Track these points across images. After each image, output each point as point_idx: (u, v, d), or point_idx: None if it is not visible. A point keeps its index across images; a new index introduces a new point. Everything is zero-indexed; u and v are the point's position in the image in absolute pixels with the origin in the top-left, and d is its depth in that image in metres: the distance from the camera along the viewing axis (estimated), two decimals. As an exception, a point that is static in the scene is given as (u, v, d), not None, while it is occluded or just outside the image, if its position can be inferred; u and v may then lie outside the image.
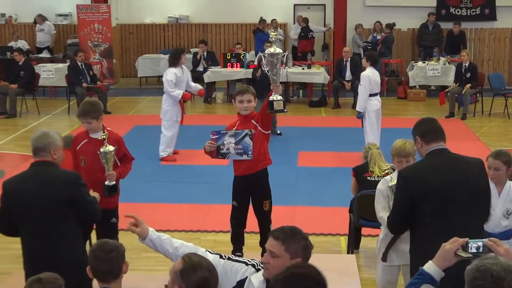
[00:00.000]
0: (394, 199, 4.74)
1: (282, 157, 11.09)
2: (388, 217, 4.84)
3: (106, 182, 6.05)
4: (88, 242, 6.45)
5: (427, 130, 4.68)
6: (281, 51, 5.97)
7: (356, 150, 10.83)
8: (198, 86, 11.56)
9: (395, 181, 5.24)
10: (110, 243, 3.92)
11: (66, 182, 4.85)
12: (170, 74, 10.96)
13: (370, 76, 10.75)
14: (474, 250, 3.13)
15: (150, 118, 14.78)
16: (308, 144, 12.30)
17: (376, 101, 10.94)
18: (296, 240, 3.59)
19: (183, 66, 11.19)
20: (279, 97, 6.06)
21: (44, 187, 4.79)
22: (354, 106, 15.53)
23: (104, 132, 6.02)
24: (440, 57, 17.31)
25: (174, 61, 11.06)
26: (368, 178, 6.96)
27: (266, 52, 5.98)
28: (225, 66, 16.46)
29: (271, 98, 6.07)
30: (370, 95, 10.83)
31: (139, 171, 10.62)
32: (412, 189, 4.48)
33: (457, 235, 3.28)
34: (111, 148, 5.92)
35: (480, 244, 3.15)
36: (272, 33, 6.41)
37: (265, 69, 6.06)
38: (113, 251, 3.83)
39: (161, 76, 19.74)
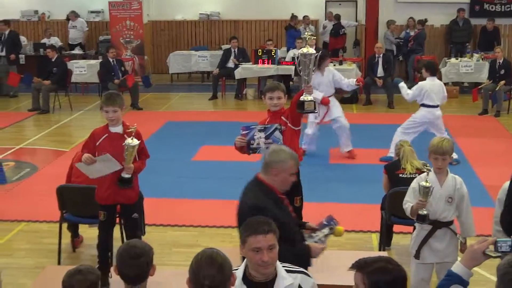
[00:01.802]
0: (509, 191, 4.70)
1: (313, 153, 11.07)
2: (502, 212, 4.79)
3: (123, 174, 6.08)
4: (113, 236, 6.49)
5: None
6: (314, 52, 5.93)
7: (388, 147, 10.76)
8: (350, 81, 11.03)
9: (429, 183, 5.21)
10: (138, 247, 3.73)
11: None
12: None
13: (427, 87, 10.40)
14: (504, 249, 3.11)
15: (182, 114, 14.86)
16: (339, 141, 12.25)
17: (425, 112, 10.53)
18: None
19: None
20: (310, 98, 6.04)
21: None
22: (388, 104, 15.44)
23: (131, 127, 6.04)
24: (474, 54, 17.13)
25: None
26: (400, 175, 6.91)
27: (298, 52, 5.97)
28: (256, 62, 16.46)
29: (302, 98, 6.05)
30: (424, 105, 10.53)
31: (170, 167, 10.70)
32: None
33: None
34: (136, 141, 5.97)
35: (510, 243, 3.13)
36: (307, 33, 6.38)
37: (298, 68, 6.04)
38: (141, 257, 3.66)
39: (193, 73, 19.94)
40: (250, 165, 9.85)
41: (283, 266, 3.82)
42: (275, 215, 4.25)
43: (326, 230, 4.81)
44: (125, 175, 6.09)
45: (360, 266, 3.10)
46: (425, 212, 5.32)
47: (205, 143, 12.12)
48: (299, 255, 4.35)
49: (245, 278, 3.75)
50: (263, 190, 4.50)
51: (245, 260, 3.77)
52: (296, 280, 3.77)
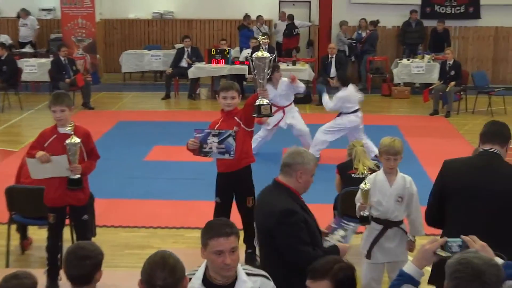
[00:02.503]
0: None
1: (266, 154, 11.08)
2: (426, 208, 4.92)
3: (71, 176, 5.99)
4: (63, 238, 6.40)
5: (485, 131, 4.68)
6: (269, 55, 5.91)
7: (340, 147, 10.83)
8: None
9: (368, 186, 5.25)
10: (86, 249, 3.65)
11: None
12: None
13: (344, 97, 10.66)
14: (454, 250, 3.15)
15: (134, 114, 14.74)
16: (292, 141, 12.26)
17: (353, 117, 10.80)
18: None
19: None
20: (266, 101, 6.03)
21: None
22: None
23: (69, 125, 5.95)
24: (425, 55, 17.36)
25: None
26: (353, 175, 6.97)
27: (253, 56, 5.92)
28: (209, 62, 16.41)
29: (257, 102, 6.01)
30: (344, 113, 10.77)
31: (122, 167, 10.60)
32: (442, 181, 4.62)
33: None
34: (77, 140, 5.88)
35: (460, 243, 3.17)
36: (261, 36, 6.39)
37: (252, 72, 6.01)
38: (87, 259, 3.59)
39: (145, 72, 19.79)
40: (203, 166, 9.89)
41: (244, 269, 3.80)
42: (305, 219, 4.29)
43: (341, 232, 4.82)
44: (73, 176, 5.99)
45: (322, 273, 3.26)
46: (366, 214, 5.36)
47: (158, 143, 12.05)
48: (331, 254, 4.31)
49: (205, 280, 3.71)
50: (288, 194, 4.42)
51: (205, 261, 3.74)
52: (256, 284, 3.75)
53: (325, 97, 10.94)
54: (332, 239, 4.75)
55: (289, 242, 4.22)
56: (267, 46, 14.92)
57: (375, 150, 9.45)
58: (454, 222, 4.49)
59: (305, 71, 16.16)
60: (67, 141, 5.85)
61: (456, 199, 4.50)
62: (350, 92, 10.75)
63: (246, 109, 6.31)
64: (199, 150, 6.38)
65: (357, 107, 10.82)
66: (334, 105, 10.76)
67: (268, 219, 4.30)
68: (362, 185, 5.27)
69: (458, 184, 4.52)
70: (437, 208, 4.66)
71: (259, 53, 5.82)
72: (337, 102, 10.72)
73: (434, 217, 4.76)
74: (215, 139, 6.31)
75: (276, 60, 16.07)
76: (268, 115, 6.06)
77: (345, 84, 10.77)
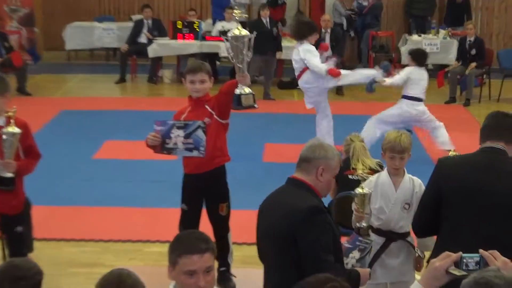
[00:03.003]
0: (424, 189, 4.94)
1: (244, 150, 11.11)
2: (415, 215, 4.98)
3: (1, 173, 5.93)
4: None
5: (486, 125, 4.77)
6: (248, 34, 5.95)
7: (335, 142, 10.90)
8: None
9: (366, 190, 5.28)
10: (21, 268, 3.64)
11: None
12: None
13: (411, 76, 10.95)
14: (471, 267, 3.16)
15: (81, 101, 14.71)
16: (276, 134, 12.35)
17: (405, 107, 11.08)
18: None
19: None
20: (248, 90, 6.06)
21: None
22: (337, 91, 15.60)
23: (10, 110, 5.91)
24: (440, 30, 17.45)
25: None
26: (350, 176, 6.99)
27: (228, 35, 5.96)
28: (174, 37, 16.41)
29: (237, 91, 6.07)
30: (406, 97, 11.03)
31: (66, 166, 10.60)
32: (437, 182, 4.69)
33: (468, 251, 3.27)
34: (17, 130, 5.86)
35: (477, 259, 3.18)
36: (236, 11, 6.40)
37: (229, 55, 6.05)
38: (22, 280, 3.58)
39: (95, 49, 19.75)
40: (166, 166, 9.90)
41: None
42: (331, 223, 4.38)
43: (356, 254, 4.86)
44: (5, 173, 5.93)
45: None
46: (364, 225, 5.34)
47: (110, 137, 12.06)
48: (352, 282, 4.30)
49: None
50: (311, 192, 4.47)
51: (173, 284, 3.76)
52: None
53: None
54: (348, 263, 4.77)
55: (314, 247, 4.25)
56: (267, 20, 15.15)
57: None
58: (452, 231, 4.56)
59: (292, 48, 16.17)
60: (4, 130, 5.82)
61: (454, 203, 4.57)
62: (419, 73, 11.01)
63: (220, 97, 6.34)
64: (161, 146, 6.39)
65: (420, 95, 11.08)
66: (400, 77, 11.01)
67: (290, 219, 4.32)
68: (358, 189, 5.30)
69: (455, 186, 4.59)
70: (430, 214, 4.73)
71: (235, 31, 5.86)
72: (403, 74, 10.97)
73: (425, 225, 4.85)
74: (181, 133, 6.32)
75: (280, 33, 16.08)
76: (250, 106, 6.10)
77: (421, 63, 11.06)
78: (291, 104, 14.67)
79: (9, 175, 5.96)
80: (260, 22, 15.51)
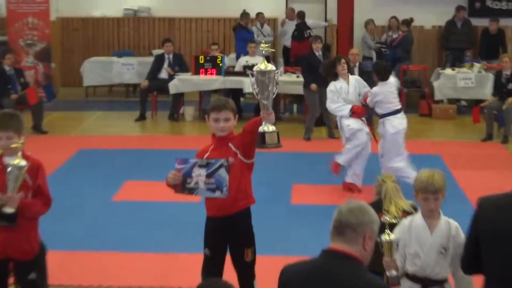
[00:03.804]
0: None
1: (270, 192, 11.07)
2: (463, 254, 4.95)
3: (3, 208, 5.85)
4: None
5: None
6: (274, 68, 5.95)
7: (367, 182, 10.83)
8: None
9: (392, 236, 5.21)
10: None
11: None
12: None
13: (378, 92, 11.30)
14: None
15: (99, 140, 14.75)
16: (305, 175, 12.29)
17: (397, 120, 11.34)
18: None
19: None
20: (272, 128, 6.03)
21: None
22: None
23: (18, 141, 5.88)
24: (474, 63, 17.40)
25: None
26: (381, 219, 6.93)
27: (255, 69, 5.96)
28: (196, 72, 16.46)
29: (261, 129, 6.03)
30: (389, 114, 11.26)
31: (84, 209, 10.59)
32: (477, 223, 4.63)
33: None
34: (23, 163, 5.80)
35: None
36: (263, 45, 6.41)
37: (254, 90, 6.04)
38: None
39: (114, 85, 19.85)
40: (188, 208, 9.86)
41: None
42: None
43: None
44: (7, 209, 5.84)
45: None
46: (394, 274, 5.27)
47: (130, 177, 12.05)
48: None
49: None
50: (365, 269, 4.16)
51: None
52: None
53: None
54: None
55: None
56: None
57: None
58: (496, 276, 4.49)
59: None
60: (10, 162, 5.79)
61: (496, 246, 4.49)
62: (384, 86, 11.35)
63: (244, 135, 6.31)
64: (182, 186, 6.36)
65: (397, 106, 11.45)
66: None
67: None
68: (384, 236, 5.23)
69: (497, 228, 4.51)
70: (474, 255, 4.65)
71: (261, 66, 5.86)
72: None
73: (470, 264, 4.78)
74: (203, 172, 6.28)
75: (283, 71, 16.17)
76: (275, 145, 6.06)
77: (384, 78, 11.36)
78: (319, 142, 14.61)
79: (10, 211, 5.86)
80: (312, 55, 15.51)
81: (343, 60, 11.60)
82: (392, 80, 11.50)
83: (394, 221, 6.17)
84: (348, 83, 11.48)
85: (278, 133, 6.09)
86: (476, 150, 14.13)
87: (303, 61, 15.82)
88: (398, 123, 11.24)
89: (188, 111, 17.04)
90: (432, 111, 17.05)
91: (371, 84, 15.65)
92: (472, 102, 17.15)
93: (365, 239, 4.16)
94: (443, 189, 5.53)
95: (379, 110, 11.34)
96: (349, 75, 11.60)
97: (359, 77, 11.93)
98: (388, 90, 11.29)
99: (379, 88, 11.30)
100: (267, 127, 5.98)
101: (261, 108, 6.00)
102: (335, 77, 11.46)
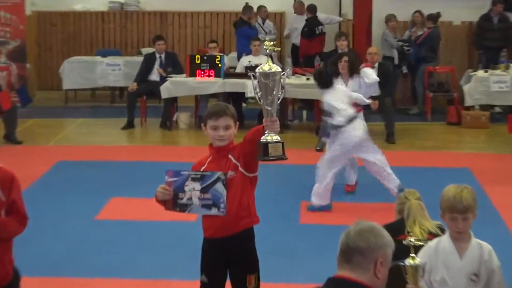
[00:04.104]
0: None
1: (276, 210, 11.09)
2: None
3: None
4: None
5: None
6: (279, 69, 5.93)
7: (387, 199, 10.84)
8: None
9: (418, 261, 5.19)
10: None
11: None
12: None
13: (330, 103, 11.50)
14: None
15: (81, 151, 14.76)
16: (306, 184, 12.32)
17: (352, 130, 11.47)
18: None
19: None
20: (276, 138, 6.01)
21: None
22: (387, 137, 15.62)
23: None
24: (510, 64, 17.39)
25: None
26: (404, 242, 6.92)
27: (257, 70, 5.94)
28: (192, 74, 16.46)
29: (263, 138, 5.99)
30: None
31: (64, 229, 10.59)
32: None
33: None
34: None
35: None
36: (267, 43, 6.36)
37: (256, 95, 6.03)
38: None
39: (98, 89, 19.87)
40: (182, 228, 9.85)
41: None
42: None
43: None
44: None
45: None
46: None
47: (116, 193, 12.06)
48: None
49: None
50: None
51: None
52: None
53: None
54: None
55: None
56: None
57: None
58: None
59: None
60: None
61: None
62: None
63: (245, 146, 6.30)
64: (174, 202, 6.34)
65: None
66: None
67: None
68: (408, 260, 5.24)
69: None
70: None
71: (265, 67, 5.85)
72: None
73: None
74: (197, 186, 6.26)
75: (290, 72, 16.19)
76: (279, 158, 6.01)
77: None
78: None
79: None
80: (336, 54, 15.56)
81: (344, 58, 11.68)
82: (339, 86, 11.57)
83: (420, 243, 6.17)
84: (347, 85, 11.55)
85: (283, 143, 6.04)
86: (511, 164, 14.12)
87: (326, 60, 15.76)
88: (353, 134, 11.33)
89: (183, 118, 17.08)
90: (462, 118, 17.04)
91: (390, 88, 15.73)
92: (507, 108, 17.15)
93: (377, 265, 4.10)
94: (473, 208, 5.52)
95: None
96: (352, 76, 11.74)
97: (368, 81, 11.88)
98: (332, 99, 11.44)
99: (325, 98, 11.57)
100: (271, 137, 5.95)
101: (264, 115, 5.98)
102: (337, 75, 11.66)
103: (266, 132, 5.98)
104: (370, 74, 11.82)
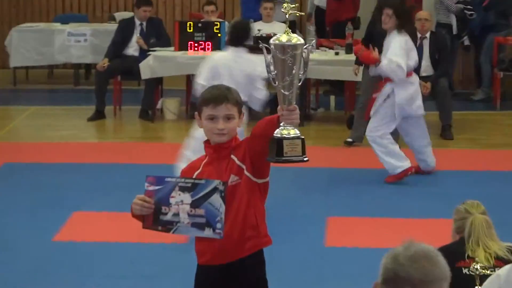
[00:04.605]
0: None
1: (294, 227, 11.10)
2: None
3: None
4: None
5: None
6: (301, 41, 5.89)
7: (441, 215, 10.85)
8: None
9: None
10: None
11: None
12: None
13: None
14: None
15: (35, 149, 14.80)
16: (345, 202, 12.32)
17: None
18: None
19: None
20: (294, 132, 5.94)
21: None
22: (442, 131, 15.66)
23: None
24: None
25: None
26: (464, 269, 6.96)
27: (271, 42, 5.90)
28: (182, 47, 16.48)
29: (277, 133, 5.92)
30: None
31: (14, 252, 10.62)
32: None
33: None
34: None
35: None
36: (286, 5, 6.28)
37: (269, 74, 5.98)
38: None
39: (56, 66, 19.87)
40: (168, 251, 9.87)
41: None
42: None
43: None
44: None
45: None
46: None
47: (80, 206, 12.08)
48: None
49: None
50: None
51: None
52: None
53: None
54: None
55: None
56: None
57: None
58: None
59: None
60: None
61: None
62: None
63: (253, 142, 6.28)
64: (155, 218, 6.31)
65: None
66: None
67: None
68: None
69: None
70: None
71: (282, 37, 5.83)
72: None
73: None
74: (186, 197, 6.21)
75: (315, 44, 16.22)
76: (297, 159, 5.94)
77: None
78: (363, 155, 14.63)
79: None
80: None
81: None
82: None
83: (485, 272, 6.20)
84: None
85: (303, 140, 5.97)
86: None
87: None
88: None
89: (169, 106, 17.09)
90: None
91: (447, 65, 15.79)
92: None
93: None
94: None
95: None
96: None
97: None
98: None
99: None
100: (287, 131, 5.89)
101: (280, 101, 5.93)
102: None
103: (281, 124, 5.93)
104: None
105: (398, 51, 12.09)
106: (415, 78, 12.88)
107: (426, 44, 16.01)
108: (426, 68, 15.92)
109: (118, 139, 15.81)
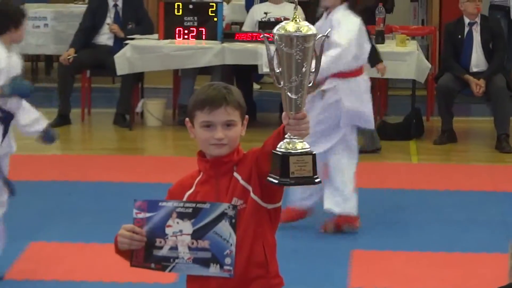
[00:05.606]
0: None
1: (312, 265, 11.13)
2: None
3: None
4: None
5: None
6: (314, 30, 5.79)
7: (495, 248, 10.89)
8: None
9: None
10: None
11: None
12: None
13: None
14: None
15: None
16: (374, 232, 12.36)
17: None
18: None
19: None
20: (302, 146, 5.83)
21: None
22: (498, 140, 15.64)
23: None
24: None
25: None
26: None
27: (275, 31, 5.80)
28: (168, 35, 16.53)
29: (281, 147, 5.83)
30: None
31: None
32: None
33: None
34: None
35: None
36: None
37: (272, 72, 5.84)
38: None
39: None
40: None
41: None
42: None
43: None
44: None
45: None
46: None
47: (39, 235, 12.13)
48: None
49: None
50: None
51: None
52: None
53: None
54: None
55: None
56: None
57: None
58: None
59: (407, 56, 16.21)
60: None
61: None
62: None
63: (263, 158, 6.20)
64: (147, 254, 6.33)
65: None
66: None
67: None
68: None
69: None
70: None
71: (288, 25, 5.71)
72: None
73: None
74: (187, 226, 6.20)
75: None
76: (306, 180, 5.79)
77: None
78: (405, 170, 14.69)
79: None
80: None
81: None
82: None
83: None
84: None
85: (314, 156, 5.84)
86: None
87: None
88: None
89: (152, 109, 17.14)
90: None
91: (502, 57, 15.86)
92: None
93: None
94: None
95: None
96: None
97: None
98: None
99: None
100: (293, 144, 5.81)
101: (285, 107, 5.76)
102: None
103: (287, 135, 5.81)
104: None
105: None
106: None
107: (476, 31, 16.04)
108: (479, 61, 15.97)
109: (87, 151, 15.86)
